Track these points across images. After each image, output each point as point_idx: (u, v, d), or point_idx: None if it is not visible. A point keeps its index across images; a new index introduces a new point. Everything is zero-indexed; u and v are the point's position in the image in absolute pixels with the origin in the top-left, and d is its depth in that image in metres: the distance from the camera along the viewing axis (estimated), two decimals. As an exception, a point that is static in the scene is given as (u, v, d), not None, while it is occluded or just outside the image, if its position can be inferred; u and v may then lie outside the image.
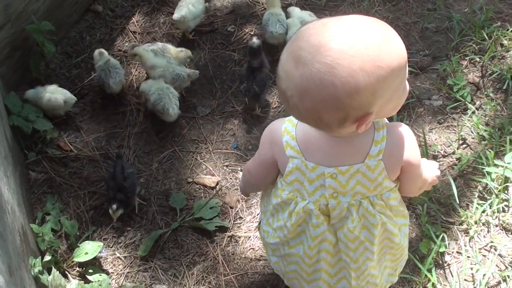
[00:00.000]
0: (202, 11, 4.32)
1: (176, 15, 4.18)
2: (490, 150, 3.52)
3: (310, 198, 2.23)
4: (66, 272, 3.26)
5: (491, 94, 3.86)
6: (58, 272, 3.04)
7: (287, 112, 2.05)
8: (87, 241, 3.29)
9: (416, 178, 2.30)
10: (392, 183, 2.23)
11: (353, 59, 1.77)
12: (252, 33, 4.38)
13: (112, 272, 3.31)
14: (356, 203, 2.22)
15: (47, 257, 3.10)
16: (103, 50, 4.02)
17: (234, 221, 3.44)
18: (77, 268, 3.28)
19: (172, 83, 3.88)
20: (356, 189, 2.18)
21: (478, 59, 4.04)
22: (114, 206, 3.38)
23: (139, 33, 4.42)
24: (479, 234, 3.29)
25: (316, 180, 2.18)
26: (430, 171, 2.49)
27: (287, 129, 2.21)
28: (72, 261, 3.25)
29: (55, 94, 3.77)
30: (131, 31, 4.43)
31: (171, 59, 3.99)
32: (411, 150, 2.17)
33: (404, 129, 2.17)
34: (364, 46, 1.79)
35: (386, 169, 2.15)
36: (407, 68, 1.98)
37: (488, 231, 3.29)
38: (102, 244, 3.26)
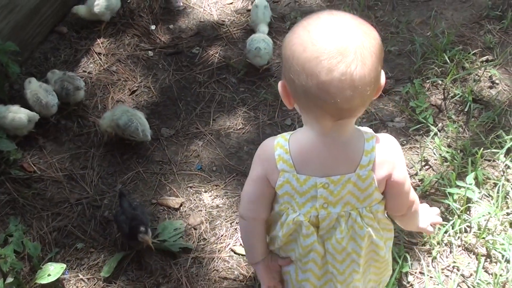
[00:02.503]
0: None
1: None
2: (452, 171, 3.56)
3: (300, 211, 2.23)
4: (28, 294, 3.23)
5: (453, 116, 3.91)
6: (20, 294, 3.03)
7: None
8: (50, 263, 3.25)
9: (402, 195, 2.29)
10: (380, 195, 2.24)
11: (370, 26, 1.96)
12: (217, 54, 4.40)
13: (75, 294, 3.29)
14: (346, 214, 2.23)
15: (10, 279, 3.07)
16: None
17: (198, 242, 3.44)
18: (40, 290, 3.26)
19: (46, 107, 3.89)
20: (346, 198, 2.19)
21: (440, 82, 4.10)
22: (143, 229, 3.28)
23: (104, 55, 4.42)
24: (441, 254, 3.32)
25: (308, 192, 2.19)
26: (428, 218, 2.57)
27: (279, 143, 2.20)
28: (35, 283, 3.21)
29: (19, 114, 3.76)
30: (96, 53, 4.43)
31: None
32: (398, 163, 2.19)
33: (393, 142, 2.21)
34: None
35: (376, 179, 2.17)
36: None
37: (451, 252, 3.32)
38: (65, 266, 3.22)
